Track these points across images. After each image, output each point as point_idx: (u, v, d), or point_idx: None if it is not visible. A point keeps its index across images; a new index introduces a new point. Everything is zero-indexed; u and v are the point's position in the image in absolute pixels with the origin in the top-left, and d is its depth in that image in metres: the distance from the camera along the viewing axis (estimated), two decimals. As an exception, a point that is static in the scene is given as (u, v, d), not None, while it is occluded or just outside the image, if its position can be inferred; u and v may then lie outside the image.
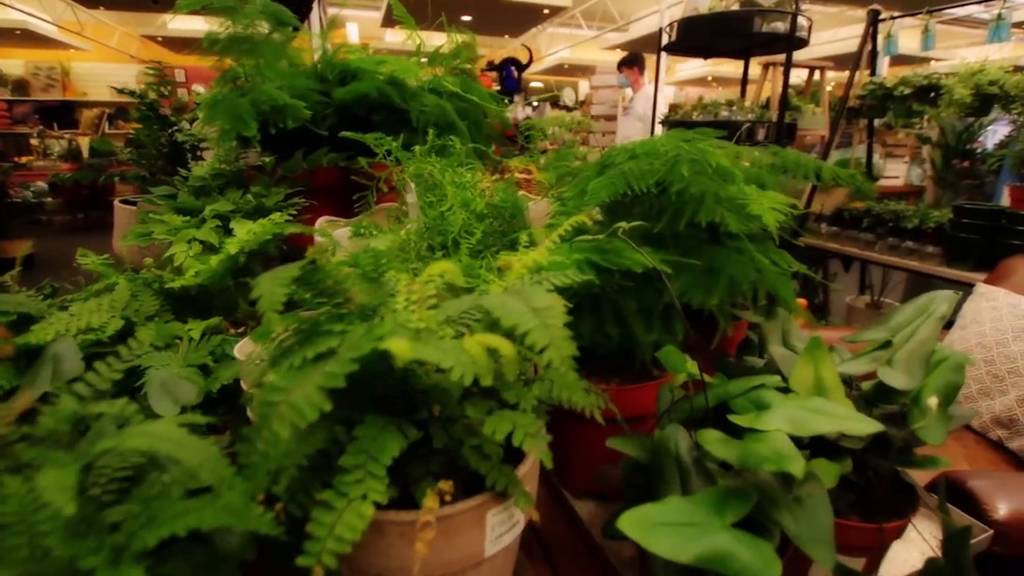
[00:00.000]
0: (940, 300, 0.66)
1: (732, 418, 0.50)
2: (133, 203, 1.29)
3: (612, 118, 7.50)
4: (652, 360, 0.73)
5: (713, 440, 0.48)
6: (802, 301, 2.67)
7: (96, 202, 6.55)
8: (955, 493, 1.18)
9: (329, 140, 1.20)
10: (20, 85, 7.77)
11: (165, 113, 1.28)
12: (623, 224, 0.62)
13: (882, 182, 4.19)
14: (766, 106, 3.10)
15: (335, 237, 1.00)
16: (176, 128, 1.31)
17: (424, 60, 1.46)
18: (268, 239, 0.92)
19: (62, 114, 7.98)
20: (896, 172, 4.55)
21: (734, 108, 2.44)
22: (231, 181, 1.15)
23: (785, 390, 0.57)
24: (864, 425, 0.48)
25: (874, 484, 0.60)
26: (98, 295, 0.89)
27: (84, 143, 7.04)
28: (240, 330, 0.92)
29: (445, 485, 0.41)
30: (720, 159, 0.74)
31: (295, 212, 1.00)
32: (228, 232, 0.98)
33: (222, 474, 0.36)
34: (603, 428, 0.64)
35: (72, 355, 0.73)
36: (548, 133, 1.21)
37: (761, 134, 2.51)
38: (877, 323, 0.71)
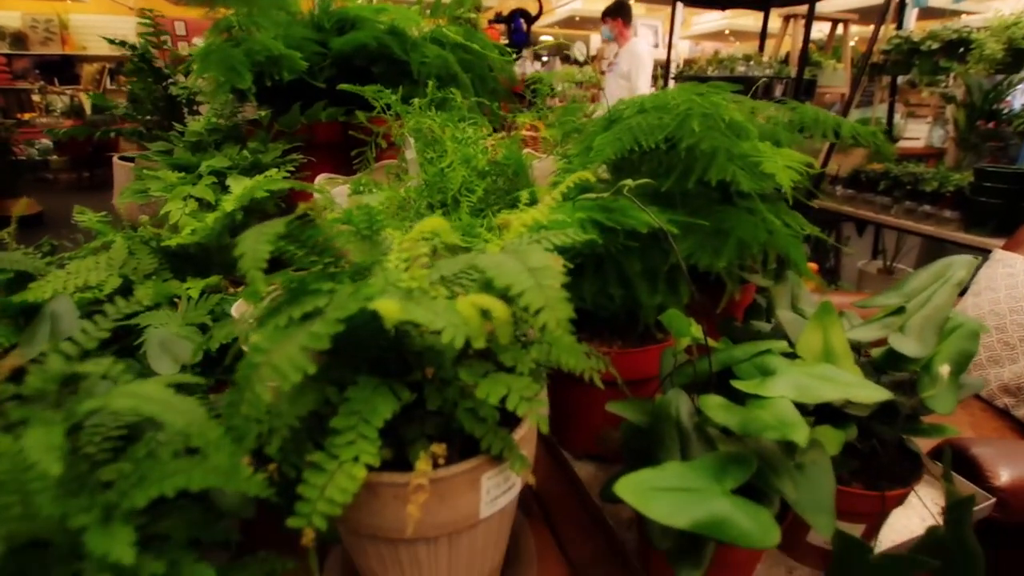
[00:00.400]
0: (958, 265, 0.64)
1: (736, 384, 0.49)
2: (132, 159, 1.26)
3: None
4: (656, 323, 0.72)
5: (715, 406, 0.47)
6: (813, 265, 2.63)
7: (101, 159, 6.50)
8: (958, 460, 1.18)
9: (328, 93, 1.16)
10: (18, 38, 7.60)
11: (159, 66, 1.24)
12: (628, 182, 0.59)
13: (902, 143, 4.05)
14: (785, 61, 2.97)
15: (334, 195, 0.98)
16: (171, 81, 1.26)
17: (427, 11, 1.39)
18: (265, 196, 0.90)
19: (63, 69, 7.83)
20: (917, 133, 4.40)
21: (751, 63, 2.34)
22: (228, 136, 1.12)
23: (792, 356, 0.56)
24: (872, 392, 0.47)
25: (879, 451, 0.59)
26: (95, 253, 0.88)
27: (86, 99, 6.92)
28: (239, 288, 0.91)
29: (438, 448, 0.41)
30: (734, 113, 0.70)
31: (292, 169, 0.97)
32: (225, 189, 0.96)
33: (209, 436, 0.35)
34: (605, 390, 0.63)
35: (69, 313, 0.72)
36: (556, 89, 1.16)
37: (778, 91, 2.42)
38: (891, 288, 0.68)
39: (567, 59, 8.65)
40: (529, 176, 0.97)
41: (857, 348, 0.62)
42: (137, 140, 1.27)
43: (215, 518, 0.46)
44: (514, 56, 1.60)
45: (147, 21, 1.21)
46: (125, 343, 0.77)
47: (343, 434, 0.40)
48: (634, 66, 3.74)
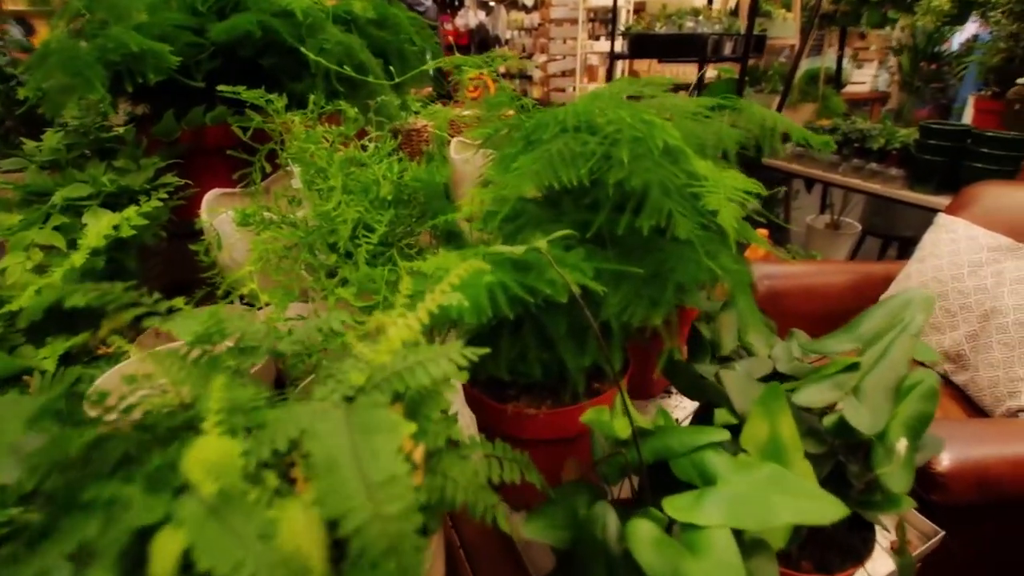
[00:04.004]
0: (916, 307, 0.57)
1: (665, 505, 0.41)
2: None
3: (575, 21, 6.92)
4: (588, 383, 0.63)
5: (643, 540, 0.39)
6: (763, 231, 2.55)
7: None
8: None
9: (212, 92, 0.99)
10: None
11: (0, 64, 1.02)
12: (542, 243, 0.49)
13: (849, 88, 4.06)
14: (735, 12, 2.84)
15: (219, 224, 0.84)
16: (17, 82, 1.05)
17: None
18: (131, 234, 0.75)
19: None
20: (863, 78, 4.41)
21: (700, 19, 2.20)
22: (94, 151, 0.94)
23: (736, 439, 0.49)
24: (831, 510, 0.40)
25: (826, 528, 0.54)
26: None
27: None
28: (111, 348, 0.77)
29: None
30: (670, 134, 0.60)
31: (166, 196, 0.82)
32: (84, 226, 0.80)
33: None
34: (543, 446, 0.56)
35: None
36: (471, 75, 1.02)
37: (728, 48, 2.30)
38: (843, 329, 0.62)
39: (515, 4, 8.19)
40: (448, 191, 0.85)
41: (809, 411, 0.56)
42: (-11, 151, 1.07)
43: None
44: (456, 4, 1.42)
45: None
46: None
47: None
48: None
